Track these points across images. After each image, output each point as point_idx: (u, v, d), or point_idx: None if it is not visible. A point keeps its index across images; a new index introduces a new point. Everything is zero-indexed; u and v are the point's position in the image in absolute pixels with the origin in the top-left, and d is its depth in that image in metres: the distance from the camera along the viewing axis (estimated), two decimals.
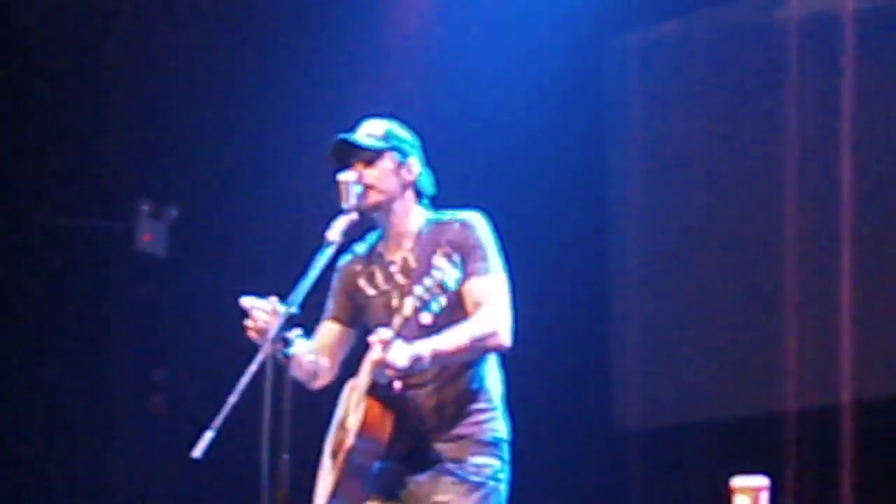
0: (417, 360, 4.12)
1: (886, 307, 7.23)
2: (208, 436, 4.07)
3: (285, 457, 4.04)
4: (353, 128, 4.54)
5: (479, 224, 4.39)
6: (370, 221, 4.50)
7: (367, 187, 4.40)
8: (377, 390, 4.25)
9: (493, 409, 4.39)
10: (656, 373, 8.19)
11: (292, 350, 4.16)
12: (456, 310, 4.26)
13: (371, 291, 4.49)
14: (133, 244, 8.31)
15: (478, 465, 4.31)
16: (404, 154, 4.47)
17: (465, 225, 4.38)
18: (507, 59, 8.01)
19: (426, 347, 4.15)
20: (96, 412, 8.18)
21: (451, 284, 4.06)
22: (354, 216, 4.37)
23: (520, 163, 8.05)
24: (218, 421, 4.06)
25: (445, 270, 4.05)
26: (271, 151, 8.18)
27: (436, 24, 8.10)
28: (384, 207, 4.43)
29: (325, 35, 8.12)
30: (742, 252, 7.92)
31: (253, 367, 4.09)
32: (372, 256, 4.53)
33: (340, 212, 4.38)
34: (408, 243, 4.45)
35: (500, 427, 4.39)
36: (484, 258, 4.32)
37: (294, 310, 4.13)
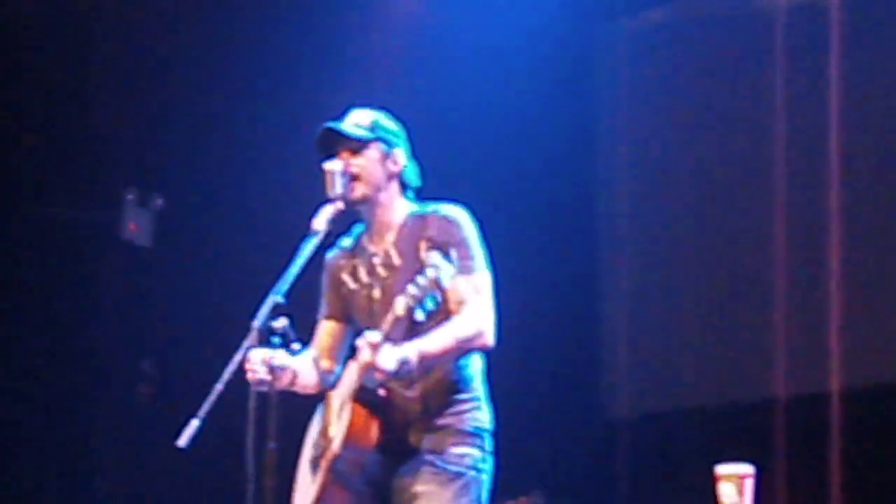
0: (405, 363, 4.11)
1: (875, 295, 7.24)
2: (194, 424, 4.07)
3: (271, 445, 4.03)
4: (340, 117, 4.53)
5: (461, 219, 4.36)
6: (355, 212, 4.48)
7: (353, 178, 4.38)
8: (363, 395, 4.24)
9: (475, 399, 4.36)
10: (644, 361, 8.20)
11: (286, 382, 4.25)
12: (437, 308, 4.24)
13: (353, 285, 4.48)
14: (119, 234, 8.29)
15: (458, 455, 4.28)
16: (390, 145, 4.45)
17: (447, 220, 4.35)
18: (493, 48, 8.01)
19: (413, 350, 4.13)
20: (83, 401, 8.16)
21: (446, 281, 4.05)
22: (340, 205, 4.35)
23: (507, 152, 8.05)
24: (204, 410, 4.05)
25: (441, 267, 4.04)
26: (258, 140, 8.16)
27: (423, 13, 8.09)
28: (370, 199, 4.41)
29: (313, 25, 8.10)
30: (730, 240, 7.93)
31: (239, 357, 4.08)
32: (356, 250, 4.51)
33: (326, 201, 4.36)
34: (391, 236, 4.42)
35: (481, 417, 4.36)
36: (468, 256, 4.29)
37: (280, 299, 4.12)
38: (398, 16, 8.12)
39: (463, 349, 4.26)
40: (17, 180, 8.20)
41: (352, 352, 4.30)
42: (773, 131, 7.68)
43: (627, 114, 8.47)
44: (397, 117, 4.58)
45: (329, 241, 4.43)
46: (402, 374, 4.14)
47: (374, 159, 4.42)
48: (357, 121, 4.46)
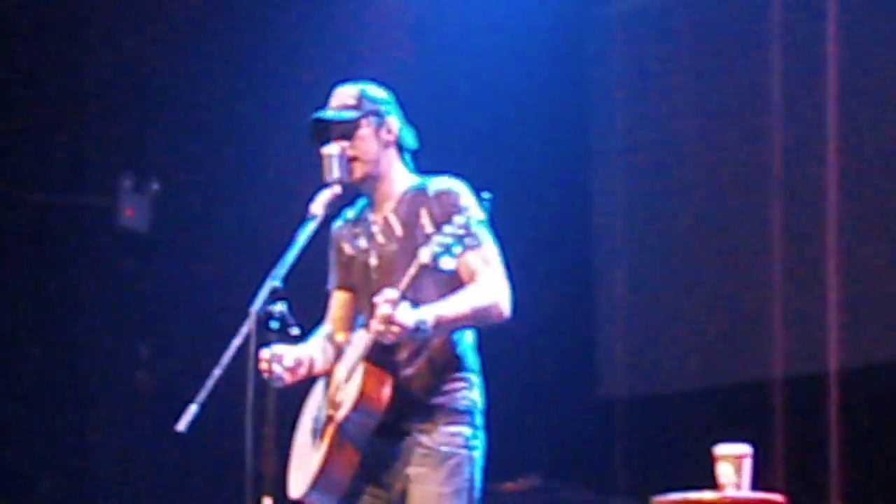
0: (422, 323, 4.10)
1: (873, 274, 7.24)
2: (193, 410, 4.07)
3: (269, 430, 4.03)
4: (325, 99, 4.52)
5: (463, 193, 4.36)
6: (354, 193, 4.48)
7: (351, 160, 4.38)
8: (375, 356, 4.21)
9: (468, 378, 4.35)
10: (642, 340, 8.21)
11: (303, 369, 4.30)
12: (443, 285, 4.24)
13: (351, 251, 4.49)
14: (116, 220, 8.29)
15: (449, 435, 4.27)
16: (380, 115, 4.45)
17: (449, 193, 4.35)
18: (488, 31, 8.01)
19: (430, 313, 4.13)
20: (81, 387, 8.17)
21: (475, 226, 4.01)
22: (338, 189, 4.35)
23: (504, 132, 8.05)
24: (202, 395, 4.06)
25: (471, 209, 4.00)
26: (254, 125, 8.16)
27: None
28: (370, 175, 4.42)
29: (311, 7, 8.10)
30: (728, 220, 7.92)
31: (237, 341, 4.08)
32: (358, 220, 4.52)
33: (324, 185, 4.36)
34: (391, 204, 4.43)
35: (472, 395, 4.35)
36: (472, 229, 4.30)
37: (278, 284, 4.12)
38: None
39: (479, 318, 4.24)
40: (13, 166, 8.19)
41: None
42: (770, 113, 7.68)
43: (622, 94, 8.47)
44: (384, 85, 4.58)
45: (326, 223, 4.44)
46: (419, 334, 4.13)
47: (367, 136, 4.42)
48: (343, 101, 4.45)
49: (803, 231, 7.53)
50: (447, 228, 4.02)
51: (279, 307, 4.13)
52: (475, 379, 4.38)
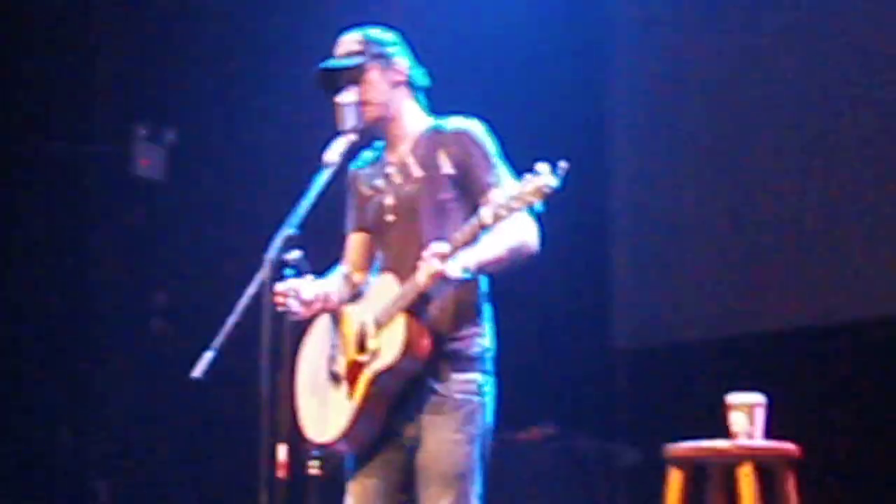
0: (467, 271, 4.10)
1: (885, 224, 7.23)
2: (208, 356, 4.09)
3: (283, 378, 4.06)
4: (330, 49, 4.52)
5: (480, 133, 4.36)
6: (370, 138, 4.49)
7: (363, 104, 4.39)
8: (415, 307, 4.19)
9: (482, 324, 4.35)
10: (656, 290, 8.22)
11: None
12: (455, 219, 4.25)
13: (367, 192, 4.50)
14: (131, 169, 8.30)
15: (461, 382, 4.26)
16: (387, 57, 4.45)
17: (467, 133, 4.35)
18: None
19: (472, 259, 4.12)
20: (96, 336, 8.20)
21: (550, 190, 3.96)
22: (353, 137, 4.36)
23: (519, 83, 8.06)
24: (218, 341, 4.08)
25: (545, 175, 3.95)
26: (270, 71, 8.14)
27: None
28: (383, 117, 4.42)
29: None
30: (739, 169, 7.91)
31: (252, 289, 4.10)
32: (375, 162, 4.53)
33: (338, 133, 4.37)
34: (407, 145, 4.44)
35: (485, 342, 4.34)
36: (493, 169, 4.30)
37: (293, 231, 4.13)
38: None
39: (514, 259, 4.23)
40: (27, 116, 8.20)
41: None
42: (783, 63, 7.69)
43: (638, 46, 8.47)
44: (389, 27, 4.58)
45: (342, 172, 4.45)
46: (463, 283, 4.14)
47: (375, 79, 4.41)
48: (348, 48, 4.45)
49: (817, 180, 7.52)
50: (511, 189, 3.96)
51: (294, 255, 4.15)
52: (488, 325, 4.38)
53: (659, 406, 7.85)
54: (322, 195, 4.24)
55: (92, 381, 8.16)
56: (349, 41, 4.48)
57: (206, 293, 7.39)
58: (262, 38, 8.21)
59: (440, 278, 4.06)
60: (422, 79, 4.52)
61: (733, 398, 5.11)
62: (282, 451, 4.03)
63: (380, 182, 4.46)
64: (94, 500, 8.13)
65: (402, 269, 4.21)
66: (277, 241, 4.13)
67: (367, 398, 4.25)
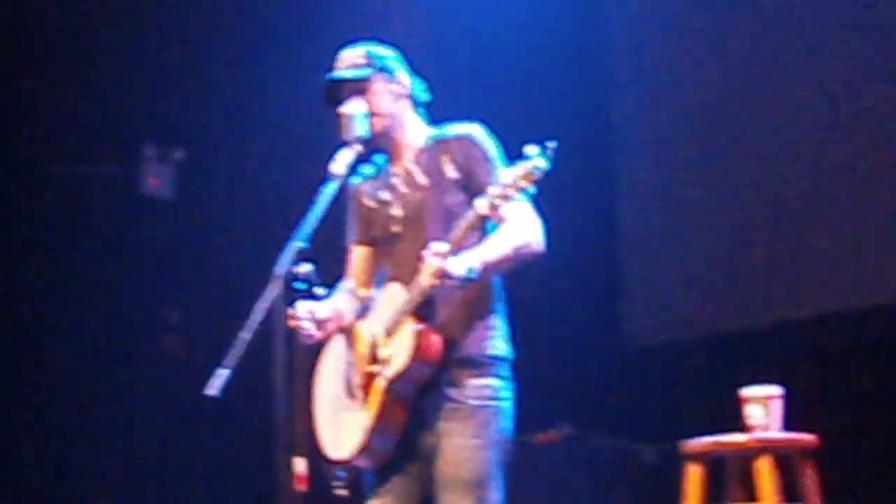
0: (471, 271, 4.10)
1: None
2: (223, 374, 4.09)
3: (298, 392, 4.06)
4: (332, 63, 4.54)
5: (481, 135, 4.39)
6: (373, 150, 4.50)
7: (372, 115, 4.41)
8: (420, 311, 4.20)
9: (496, 326, 4.35)
10: (669, 287, 8.20)
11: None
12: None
13: (373, 204, 4.51)
14: (140, 188, 8.31)
15: (478, 387, 4.26)
16: (390, 71, 4.49)
17: (468, 138, 4.38)
18: None
19: (477, 258, 4.13)
20: (109, 356, 8.21)
21: (540, 172, 3.97)
22: (358, 148, 4.38)
23: (524, 67, 8.08)
24: (232, 359, 4.08)
25: (537, 158, 3.95)
26: (275, 88, 8.16)
27: None
28: (388, 128, 4.45)
29: None
30: (754, 158, 7.90)
31: (264, 305, 4.10)
32: (377, 175, 4.56)
33: (343, 145, 4.38)
34: (410, 155, 4.47)
35: (499, 345, 4.34)
36: (495, 171, 4.31)
37: (302, 245, 4.14)
38: None
39: (520, 257, 4.24)
40: (36, 138, 8.22)
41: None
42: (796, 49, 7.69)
43: (642, 45, 8.47)
44: (389, 45, 4.61)
45: (347, 182, 4.46)
46: (468, 283, 4.13)
47: (380, 91, 4.46)
48: (352, 61, 4.49)
49: (830, 169, 7.51)
50: (506, 176, 3.99)
51: (305, 268, 4.16)
52: (502, 328, 4.38)
53: (675, 403, 7.83)
54: (329, 207, 4.25)
55: (104, 401, 8.16)
56: (352, 55, 4.51)
57: (216, 310, 7.40)
58: (267, 57, 8.22)
59: (443, 276, 4.06)
60: (422, 94, 4.55)
61: (749, 391, 5.10)
62: (301, 465, 4.03)
63: (385, 194, 4.48)
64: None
65: (409, 277, 4.21)
66: (287, 255, 4.14)
67: (383, 408, 4.24)
